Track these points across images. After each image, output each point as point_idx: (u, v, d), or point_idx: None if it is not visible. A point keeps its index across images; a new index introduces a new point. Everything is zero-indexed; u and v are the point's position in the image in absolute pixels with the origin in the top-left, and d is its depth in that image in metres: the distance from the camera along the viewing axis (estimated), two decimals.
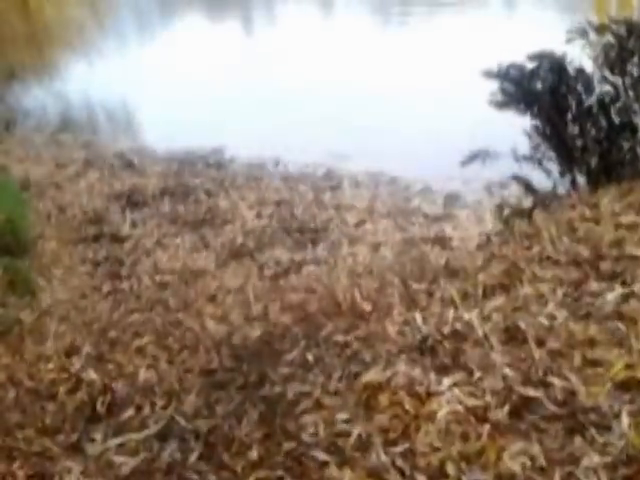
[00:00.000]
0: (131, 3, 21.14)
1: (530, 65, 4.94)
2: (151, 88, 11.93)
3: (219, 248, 6.04)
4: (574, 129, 4.88)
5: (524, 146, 5.41)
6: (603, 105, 4.77)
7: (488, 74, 5.11)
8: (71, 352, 3.72)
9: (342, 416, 2.49)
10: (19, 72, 11.28)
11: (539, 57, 4.86)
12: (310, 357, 3.10)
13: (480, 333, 2.96)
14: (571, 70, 4.78)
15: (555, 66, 4.74)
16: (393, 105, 9.44)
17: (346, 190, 7.39)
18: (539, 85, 4.86)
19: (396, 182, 7.43)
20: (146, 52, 15.00)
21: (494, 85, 5.25)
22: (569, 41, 4.82)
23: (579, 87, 4.78)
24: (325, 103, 9.80)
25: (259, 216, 6.70)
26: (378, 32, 15.48)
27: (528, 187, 5.19)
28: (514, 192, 6.51)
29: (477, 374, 2.65)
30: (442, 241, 5.94)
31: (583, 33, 4.84)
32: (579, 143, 4.88)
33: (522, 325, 2.94)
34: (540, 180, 5.39)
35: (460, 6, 16.08)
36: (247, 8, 21.17)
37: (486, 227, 6.09)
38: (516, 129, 5.44)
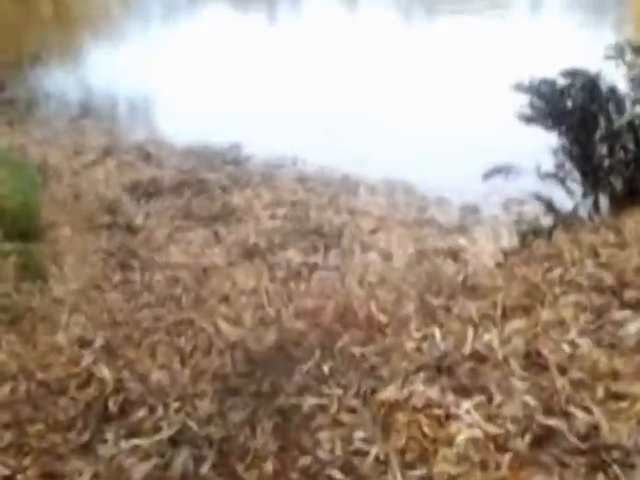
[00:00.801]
0: None
1: (562, 81, 4.87)
2: (172, 78, 11.89)
3: (231, 246, 6.00)
4: (601, 150, 4.81)
5: (547, 163, 5.36)
6: (633, 127, 4.70)
7: (518, 88, 5.05)
8: (82, 345, 3.69)
9: (359, 434, 2.46)
10: (44, 55, 11.27)
11: (572, 74, 4.80)
12: (325, 368, 3.07)
13: (500, 356, 2.92)
14: (604, 89, 4.71)
15: (587, 84, 4.68)
16: (414, 111, 9.38)
17: (362, 195, 7.35)
18: (569, 103, 4.79)
19: (412, 190, 7.37)
20: (170, 40, 14.95)
21: (519, 96, 5.19)
22: (607, 59, 4.76)
23: (610, 107, 4.71)
24: (346, 103, 9.74)
25: (273, 216, 6.65)
26: (402, 33, 15.38)
27: (549, 206, 5.13)
28: (532, 209, 6.48)
29: (497, 399, 2.61)
30: (456, 254, 5.89)
31: (620, 52, 4.78)
32: (605, 164, 4.82)
33: (543, 351, 2.90)
34: (561, 199, 5.34)
35: (487, 11, 15.96)
36: (272, 3, 21.14)
37: (501, 243, 6.05)
38: (540, 145, 5.39)
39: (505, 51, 12.07)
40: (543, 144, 5.30)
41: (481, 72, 10.71)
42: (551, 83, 4.91)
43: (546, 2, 19.80)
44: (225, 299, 4.58)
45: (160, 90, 11.30)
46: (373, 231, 6.42)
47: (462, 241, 6.18)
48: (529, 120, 5.08)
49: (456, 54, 12.23)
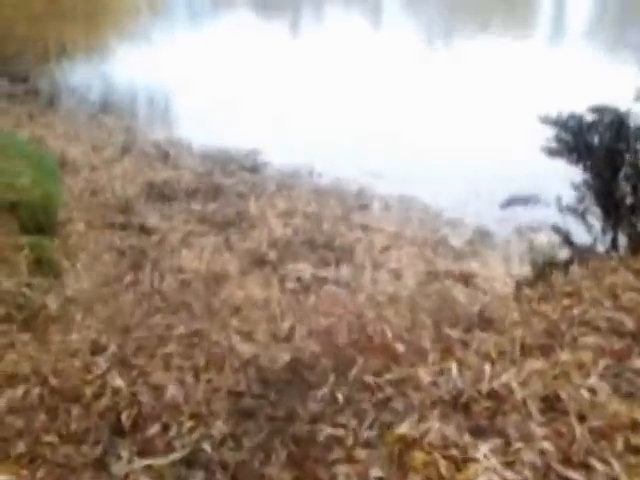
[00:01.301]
0: None
1: (590, 117, 4.85)
2: (194, 80, 11.94)
3: (243, 254, 6.00)
4: (625, 188, 4.80)
5: (566, 195, 5.34)
6: None
7: (545, 120, 5.04)
8: (96, 350, 3.67)
9: (375, 472, 2.44)
10: (70, 49, 11.32)
11: (600, 110, 4.78)
12: (340, 396, 3.06)
13: (519, 397, 2.90)
14: (632, 127, 4.69)
15: (616, 121, 4.66)
16: (435, 130, 9.39)
17: (375, 211, 7.36)
18: (596, 139, 4.78)
19: (427, 210, 7.38)
20: (193, 43, 15.02)
21: (537, 121, 5.16)
22: (637, 99, 4.74)
23: (638, 146, 4.70)
24: (365, 117, 9.75)
25: (286, 226, 6.66)
26: (424, 52, 15.39)
27: (566, 238, 5.11)
28: (545, 238, 6.47)
29: (515, 444, 2.58)
30: (467, 278, 5.87)
31: None
32: (627, 203, 4.80)
33: (563, 396, 2.88)
34: (579, 233, 5.31)
35: (509, 32, 15.95)
36: (297, 10, 21.22)
37: (513, 269, 6.05)
38: (558, 174, 5.37)
39: (528, 76, 12.07)
40: (561, 174, 5.29)
41: (505, 97, 10.71)
42: (579, 118, 4.90)
43: (569, 24, 19.85)
44: (237, 311, 4.56)
45: (180, 91, 11.33)
46: (385, 248, 6.41)
47: (474, 265, 6.17)
48: (554, 153, 5.06)
49: (479, 76, 12.23)
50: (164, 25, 16.01)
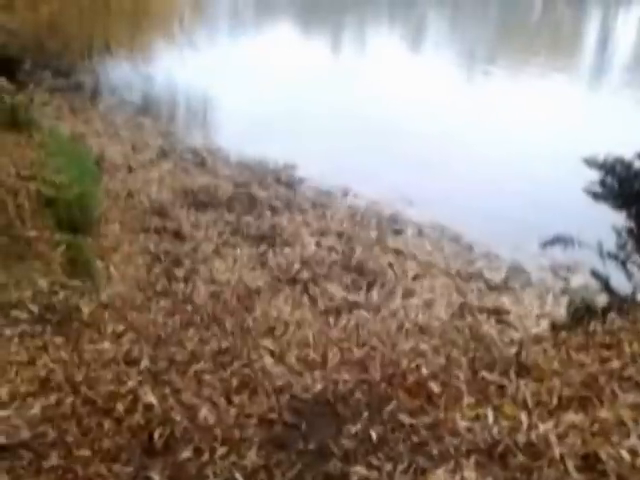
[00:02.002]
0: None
1: (638, 164, 4.78)
2: (234, 88, 11.98)
3: (275, 270, 5.99)
4: None
5: (600, 236, 5.26)
6: None
7: (590, 163, 4.97)
8: (129, 362, 3.66)
9: None
10: (113, 46, 11.42)
11: None
12: (374, 434, 3.02)
13: (556, 453, 2.84)
14: None
15: None
16: (472, 161, 9.32)
17: (409, 237, 7.30)
18: None
19: (460, 240, 7.30)
20: (236, 51, 15.13)
21: (578, 163, 5.08)
22: None
23: None
24: (405, 141, 9.73)
25: (319, 245, 6.63)
26: (463, 80, 15.32)
27: (606, 285, 5.02)
28: (580, 279, 6.40)
29: None
30: (499, 314, 5.81)
31: None
32: None
33: (602, 455, 2.82)
34: (617, 279, 5.23)
35: (549, 73, 15.82)
36: (340, 27, 21.31)
37: (546, 309, 5.98)
38: (596, 216, 5.30)
39: (570, 113, 11.97)
40: (598, 216, 5.21)
41: (547, 133, 10.62)
42: (627, 164, 4.82)
43: (614, 61, 19.71)
44: (270, 331, 4.53)
45: (220, 98, 11.37)
46: (417, 277, 6.35)
47: (507, 301, 6.10)
48: (598, 197, 4.99)
49: (519, 108, 12.14)
50: (207, 31, 16.13)
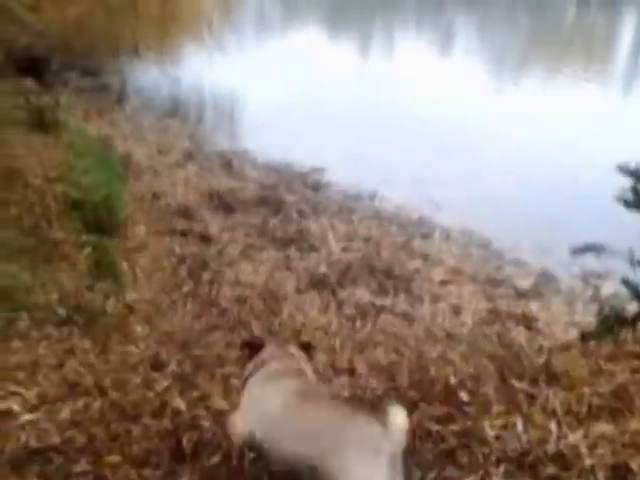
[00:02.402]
0: (257, 3, 21.76)
1: None
2: (261, 91, 11.98)
3: (301, 273, 5.94)
4: None
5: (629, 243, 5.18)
6: None
7: (622, 170, 4.88)
8: (156, 366, 3.66)
9: None
10: (142, 50, 11.47)
11: None
12: None
13: (586, 463, 2.80)
14: None
15: None
16: (502, 166, 9.23)
17: (436, 242, 7.22)
18: None
19: (489, 246, 7.21)
20: (264, 54, 15.15)
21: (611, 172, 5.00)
22: None
23: None
24: (433, 144, 9.67)
25: (346, 249, 6.58)
26: (494, 85, 15.19)
27: (636, 293, 4.94)
28: (610, 287, 6.29)
29: None
30: (528, 321, 5.72)
31: None
32: None
33: (633, 467, 2.78)
34: None
35: (581, 81, 15.64)
36: (367, 31, 21.30)
37: (576, 316, 5.89)
38: (630, 225, 5.21)
39: (601, 120, 11.82)
40: (629, 223, 5.12)
41: (577, 140, 10.51)
42: None
43: None
44: (296, 335, 4.51)
45: (247, 101, 11.38)
46: (444, 282, 6.28)
47: (535, 308, 6.01)
48: (630, 205, 4.90)
49: (548, 114, 12.02)
50: (235, 34, 16.19)
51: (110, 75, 12.01)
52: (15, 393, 3.21)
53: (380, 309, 5.46)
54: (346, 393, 3.55)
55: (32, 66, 9.91)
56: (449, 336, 4.96)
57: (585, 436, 3.02)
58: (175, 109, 11.08)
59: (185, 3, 11.61)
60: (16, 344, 3.67)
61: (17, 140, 6.07)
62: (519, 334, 5.31)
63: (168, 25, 11.42)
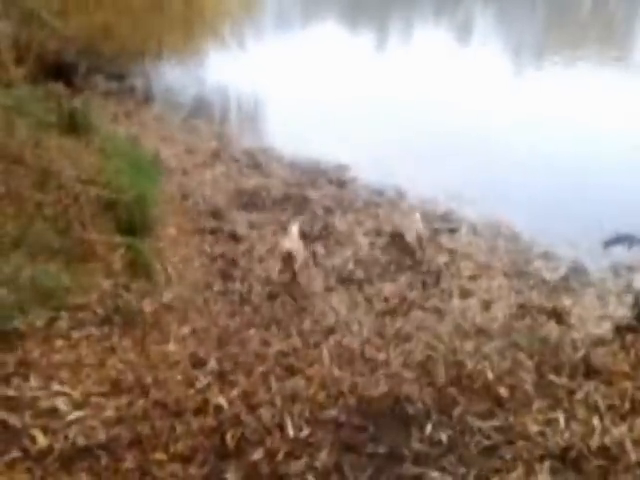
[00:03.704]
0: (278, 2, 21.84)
1: None
2: (285, 89, 12.00)
3: (329, 270, 5.96)
4: None
5: None
6: None
7: None
8: (196, 364, 3.70)
9: None
10: (166, 50, 11.54)
11: None
12: (444, 438, 3.00)
13: (632, 458, 2.80)
14: None
15: None
16: (528, 156, 9.16)
17: (463, 236, 7.18)
18: None
19: (517, 239, 7.15)
20: (287, 53, 15.15)
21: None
22: None
23: None
24: (457, 138, 9.62)
25: (373, 246, 6.58)
26: (514, 77, 15.08)
27: None
28: None
29: None
30: (559, 315, 5.67)
31: None
32: None
33: None
34: None
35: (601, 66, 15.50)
36: (386, 25, 21.25)
37: (608, 309, 5.84)
38: None
39: (624, 104, 11.71)
40: None
41: (600, 126, 10.43)
42: None
43: None
44: (330, 332, 4.53)
45: (271, 99, 11.40)
46: (473, 277, 6.26)
47: (567, 301, 5.97)
48: None
49: (572, 110, 11.90)
50: (258, 33, 16.21)
51: (137, 77, 12.09)
52: (60, 392, 3.25)
53: (410, 305, 5.46)
54: (383, 388, 3.55)
55: (61, 71, 10.01)
56: (480, 331, 4.94)
57: (629, 430, 3.01)
58: (201, 109, 11.13)
59: (208, 3, 11.62)
60: (58, 343, 3.72)
61: (50, 143, 6.12)
62: (552, 329, 5.28)
63: (192, 26, 11.47)
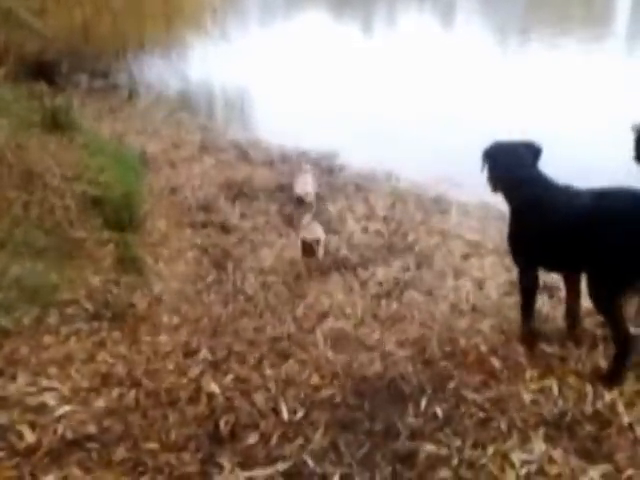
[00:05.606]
0: None
1: None
2: (270, 80, 11.97)
3: (322, 255, 5.93)
4: None
5: None
6: None
7: (636, 129, 4.82)
8: (187, 353, 3.69)
9: None
10: (148, 46, 11.50)
11: None
12: (439, 411, 2.99)
13: (625, 421, 2.79)
14: None
15: None
16: (514, 136, 9.13)
17: (454, 217, 7.18)
18: None
19: (506, 217, 7.15)
20: (270, 42, 15.12)
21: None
22: None
23: None
24: (444, 119, 9.60)
25: (365, 230, 6.57)
26: (501, 56, 15.06)
27: None
28: None
29: (626, 471, 2.49)
30: (550, 290, 5.69)
31: None
32: None
33: None
34: None
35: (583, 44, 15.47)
36: (370, 10, 21.20)
37: None
38: None
39: (608, 80, 11.71)
40: None
41: (585, 103, 10.43)
42: None
43: None
44: (324, 316, 4.52)
45: (256, 90, 11.38)
46: (465, 256, 6.26)
47: (556, 277, 5.98)
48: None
49: (557, 79, 11.91)
50: (240, 24, 16.18)
51: (119, 74, 12.04)
52: (49, 388, 3.24)
53: (404, 287, 5.45)
54: (378, 367, 3.54)
55: (43, 70, 9.97)
56: (475, 309, 4.93)
57: (621, 394, 3.01)
58: (185, 102, 11.09)
59: None
60: (47, 340, 3.70)
61: (33, 142, 6.10)
62: (543, 302, 5.28)
63: (173, 18, 11.42)
